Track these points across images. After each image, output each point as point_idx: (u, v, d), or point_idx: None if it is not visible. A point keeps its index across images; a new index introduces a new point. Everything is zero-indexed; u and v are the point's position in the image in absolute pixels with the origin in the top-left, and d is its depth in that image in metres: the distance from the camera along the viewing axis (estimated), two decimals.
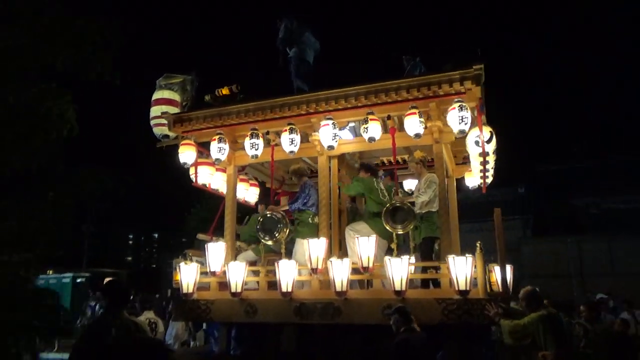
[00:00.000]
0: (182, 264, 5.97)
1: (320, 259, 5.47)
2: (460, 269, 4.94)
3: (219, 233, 6.90)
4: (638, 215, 19.64)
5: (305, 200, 6.10)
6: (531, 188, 23.45)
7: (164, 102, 6.96)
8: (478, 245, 5.25)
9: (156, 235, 53.95)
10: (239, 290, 5.67)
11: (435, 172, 5.80)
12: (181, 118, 6.57)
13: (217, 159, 6.29)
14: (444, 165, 5.88)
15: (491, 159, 6.08)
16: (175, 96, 7.02)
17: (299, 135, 5.93)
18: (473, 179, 7.37)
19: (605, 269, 18.76)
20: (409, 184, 7.63)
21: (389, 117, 5.77)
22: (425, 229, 5.67)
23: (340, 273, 5.30)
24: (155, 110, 6.98)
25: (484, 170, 6.19)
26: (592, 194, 21.98)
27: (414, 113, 5.48)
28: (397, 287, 5.08)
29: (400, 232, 5.51)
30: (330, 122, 5.77)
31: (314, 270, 5.49)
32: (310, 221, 6.08)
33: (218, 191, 7.47)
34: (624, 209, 20.90)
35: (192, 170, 7.11)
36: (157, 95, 7.04)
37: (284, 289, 5.49)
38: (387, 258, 5.24)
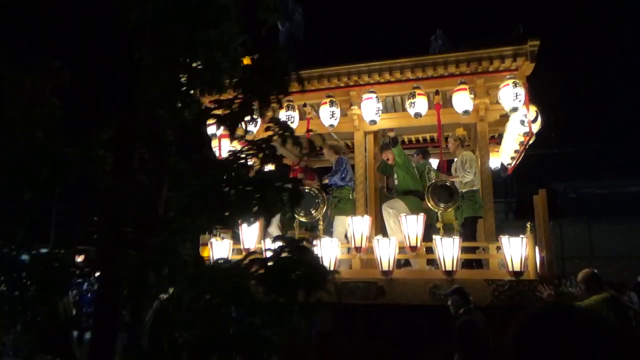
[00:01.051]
0: (213, 240, 5.67)
1: (364, 237, 5.29)
2: (515, 249, 4.85)
3: None
4: (615, 200, 20.31)
5: (343, 175, 5.87)
6: (513, 173, 23.83)
7: None
8: (528, 226, 5.18)
9: None
10: None
11: (479, 151, 5.66)
12: None
13: (249, 132, 5.95)
14: (487, 144, 5.75)
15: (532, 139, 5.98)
16: None
17: (339, 108, 5.67)
18: (495, 160, 7.29)
19: (584, 252, 19.36)
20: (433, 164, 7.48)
21: (437, 93, 5.57)
22: (467, 208, 5.54)
23: (387, 252, 5.13)
24: None
25: (522, 152, 6.12)
26: (571, 178, 22.58)
27: (464, 89, 5.31)
28: (448, 267, 4.95)
29: (442, 210, 5.38)
30: (373, 95, 5.53)
31: (357, 249, 5.31)
32: (351, 197, 5.86)
33: None
34: (600, 194, 21.60)
35: (213, 145, 6.76)
36: None
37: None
38: (437, 237, 5.09)
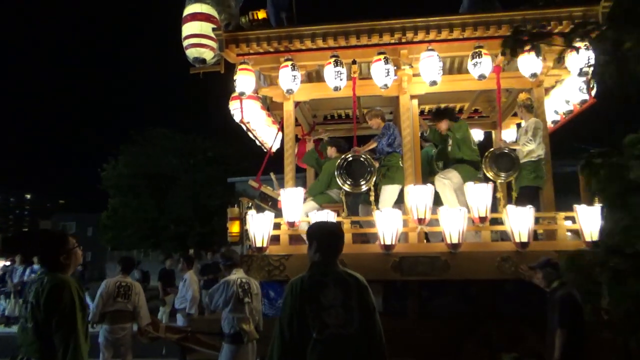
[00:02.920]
0: (252, 213, 4.97)
1: (428, 208, 4.84)
2: (592, 220, 4.64)
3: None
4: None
5: (390, 140, 5.36)
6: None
7: (202, 18, 5.63)
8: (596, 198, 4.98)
9: (28, 196, 48.56)
10: None
11: (536, 117, 5.38)
12: (237, 38, 5.36)
13: (289, 90, 5.26)
14: (544, 111, 5.49)
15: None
16: (213, 11, 5.70)
17: (393, 66, 5.12)
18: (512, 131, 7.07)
19: None
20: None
21: (503, 53, 5.16)
22: (524, 178, 5.24)
23: (454, 223, 4.73)
24: (190, 27, 5.62)
25: (564, 121, 5.94)
26: None
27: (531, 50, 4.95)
28: (523, 239, 4.65)
29: (502, 180, 5.07)
30: (434, 53, 5.05)
31: (420, 221, 4.85)
32: (401, 164, 5.36)
33: (255, 134, 6.40)
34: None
35: (232, 105, 5.98)
36: (192, 9, 5.66)
37: (387, 242, 4.79)
38: (509, 207, 4.77)
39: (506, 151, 5.02)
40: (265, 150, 7.27)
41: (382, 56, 5.10)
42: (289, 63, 5.20)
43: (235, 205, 5.39)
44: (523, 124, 5.53)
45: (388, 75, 5.09)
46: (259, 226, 4.92)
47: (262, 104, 6.40)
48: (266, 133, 6.67)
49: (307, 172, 7.45)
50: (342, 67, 5.13)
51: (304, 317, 2.41)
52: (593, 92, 5.33)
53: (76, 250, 2.83)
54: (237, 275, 4.25)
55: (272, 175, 6.92)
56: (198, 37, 5.59)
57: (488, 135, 7.24)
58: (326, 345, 2.38)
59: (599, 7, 4.91)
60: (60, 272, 2.71)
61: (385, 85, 5.13)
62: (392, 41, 5.21)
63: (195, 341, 4.91)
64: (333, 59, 5.14)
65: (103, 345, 5.27)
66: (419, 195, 4.84)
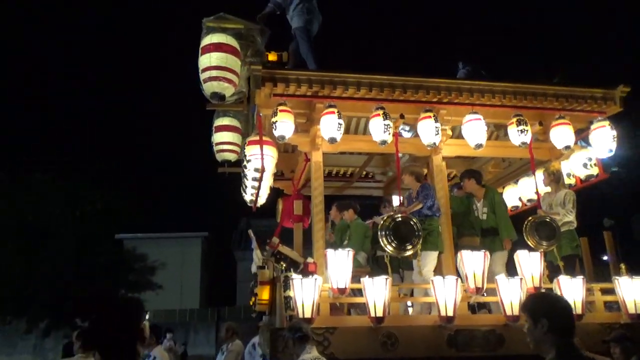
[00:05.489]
0: (297, 277, 4.19)
1: (484, 276, 4.54)
2: (633, 290, 4.72)
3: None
4: None
5: (430, 204, 5.05)
6: None
7: (228, 50, 4.93)
8: (623, 266, 5.16)
9: None
10: (380, 314, 4.24)
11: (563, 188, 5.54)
12: (275, 76, 4.78)
13: (332, 139, 4.74)
14: (564, 182, 5.69)
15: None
16: (236, 44, 5.09)
17: (440, 124, 4.94)
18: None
19: None
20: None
21: (541, 124, 5.31)
22: (565, 246, 5.27)
23: (511, 293, 4.48)
24: (212, 58, 4.89)
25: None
26: None
27: (566, 123, 5.16)
28: (578, 311, 4.54)
29: (543, 249, 5.03)
30: (480, 117, 4.99)
31: (478, 290, 4.52)
32: (441, 230, 5.04)
33: (260, 184, 5.66)
34: None
35: (249, 151, 5.25)
36: (215, 38, 4.98)
37: (442, 312, 4.35)
38: (560, 277, 4.67)
39: (547, 220, 5.02)
40: (249, 205, 6.52)
41: (430, 114, 4.90)
42: (335, 110, 4.73)
43: (266, 267, 4.53)
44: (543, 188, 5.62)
45: (437, 133, 4.88)
46: (306, 292, 4.15)
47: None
48: (267, 184, 5.96)
49: (295, 231, 6.77)
50: (390, 121, 4.80)
51: None
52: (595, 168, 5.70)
53: None
54: (312, 354, 3.41)
55: (250, 233, 6.14)
56: (221, 70, 4.87)
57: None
58: None
59: (616, 91, 5.35)
60: None
61: (434, 143, 4.91)
62: (436, 99, 5.07)
63: None
64: (381, 111, 4.79)
65: None
66: (476, 263, 4.55)
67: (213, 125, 6.41)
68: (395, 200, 7.12)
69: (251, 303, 4.70)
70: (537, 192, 5.37)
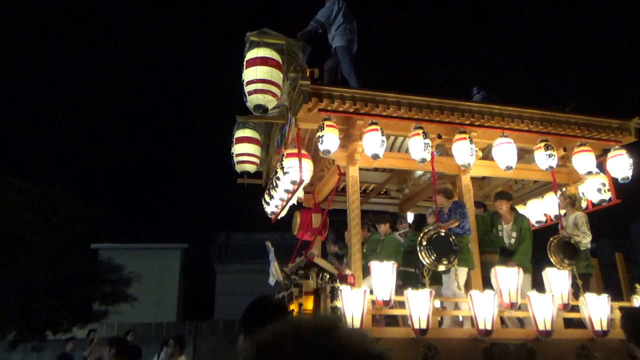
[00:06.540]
0: (346, 288, 4.28)
1: (518, 292, 4.75)
2: None
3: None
4: None
5: (463, 223, 5.24)
6: None
7: (273, 64, 5.10)
8: (638, 287, 5.47)
9: None
10: (424, 326, 4.37)
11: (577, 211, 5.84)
12: (321, 92, 4.91)
13: (374, 155, 4.89)
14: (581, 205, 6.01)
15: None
16: (279, 59, 5.23)
17: (474, 146, 5.18)
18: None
19: None
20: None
21: (565, 149, 5.62)
22: (580, 266, 5.55)
23: (544, 309, 4.70)
24: (258, 71, 5.03)
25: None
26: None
27: (588, 150, 5.49)
28: (603, 327, 4.80)
29: (565, 267, 5.29)
30: (511, 140, 5.25)
31: (512, 305, 4.71)
32: (471, 247, 5.23)
33: (291, 196, 5.75)
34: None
35: (286, 163, 5.34)
36: (261, 52, 5.11)
37: (480, 326, 4.52)
38: (587, 295, 4.93)
39: (572, 241, 5.29)
40: (270, 217, 6.62)
41: (466, 135, 5.13)
42: (378, 127, 4.90)
43: (310, 278, 4.59)
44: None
45: (472, 154, 5.11)
46: (356, 303, 4.25)
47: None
48: (295, 197, 6.05)
49: (314, 244, 6.85)
50: (430, 140, 5.00)
51: None
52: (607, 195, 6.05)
53: None
54: None
55: (269, 245, 6.21)
56: (266, 83, 5.00)
57: None
58: None
59: (632, 123, 5.74)
60: None
61: (469, 163, 5.13)
62: (469, 122, 5.31)
63: None
64: (420, 130, 4.99)
65: None
66: (510, 279, 4.75)
67: (233, 137, 6.47)
68: (410, 217, 7.34)
69: (295, 313, 4.74)
70: (559, 214, 5.65)
